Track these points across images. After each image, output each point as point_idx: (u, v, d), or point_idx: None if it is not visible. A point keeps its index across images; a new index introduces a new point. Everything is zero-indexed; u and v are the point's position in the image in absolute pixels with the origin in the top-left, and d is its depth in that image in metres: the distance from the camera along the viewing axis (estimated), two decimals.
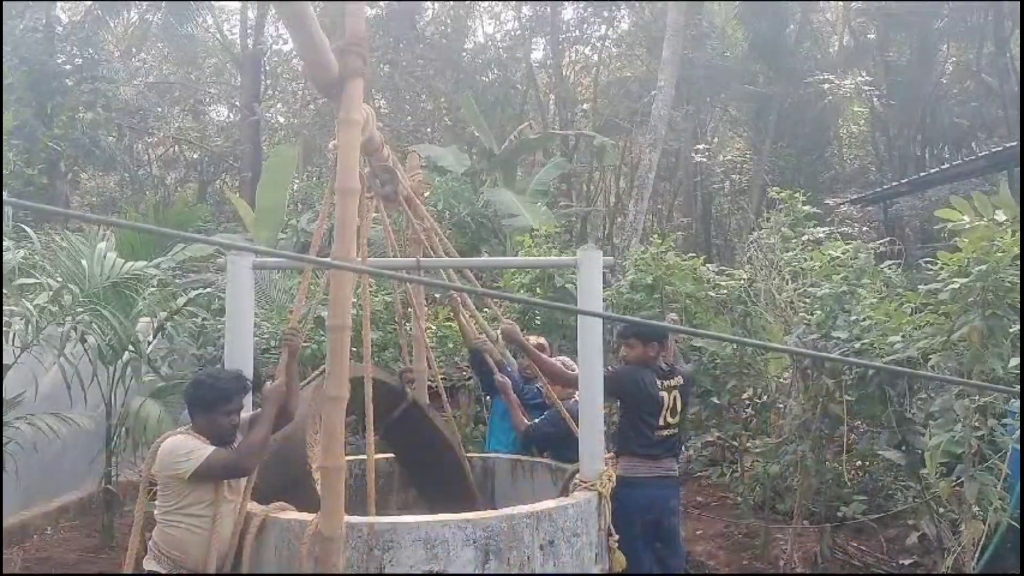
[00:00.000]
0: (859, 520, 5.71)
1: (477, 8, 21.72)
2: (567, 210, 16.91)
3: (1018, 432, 4.09)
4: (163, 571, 3.36)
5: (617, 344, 4.70)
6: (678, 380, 4.48)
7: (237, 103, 22.37)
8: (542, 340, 5.55)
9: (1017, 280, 3.91)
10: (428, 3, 20.05)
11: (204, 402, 3.45)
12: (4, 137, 6.01)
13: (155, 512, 3.43)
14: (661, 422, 4.35)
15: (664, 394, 4.37)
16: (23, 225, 6.16)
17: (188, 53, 22.04)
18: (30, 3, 15.14)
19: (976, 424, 4.02)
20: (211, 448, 3.36)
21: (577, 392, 4.29)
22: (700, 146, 19.00)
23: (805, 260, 6.24)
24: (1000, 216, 4.08)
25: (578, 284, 4.24)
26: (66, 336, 5.69)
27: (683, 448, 8.00)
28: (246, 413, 3.73)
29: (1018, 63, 17.41)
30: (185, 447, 3.34)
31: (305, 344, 5.13)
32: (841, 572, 5.54)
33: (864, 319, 5.06)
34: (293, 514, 3.51)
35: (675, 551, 4.49)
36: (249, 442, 3.40)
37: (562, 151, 19.19)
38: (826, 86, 16.50)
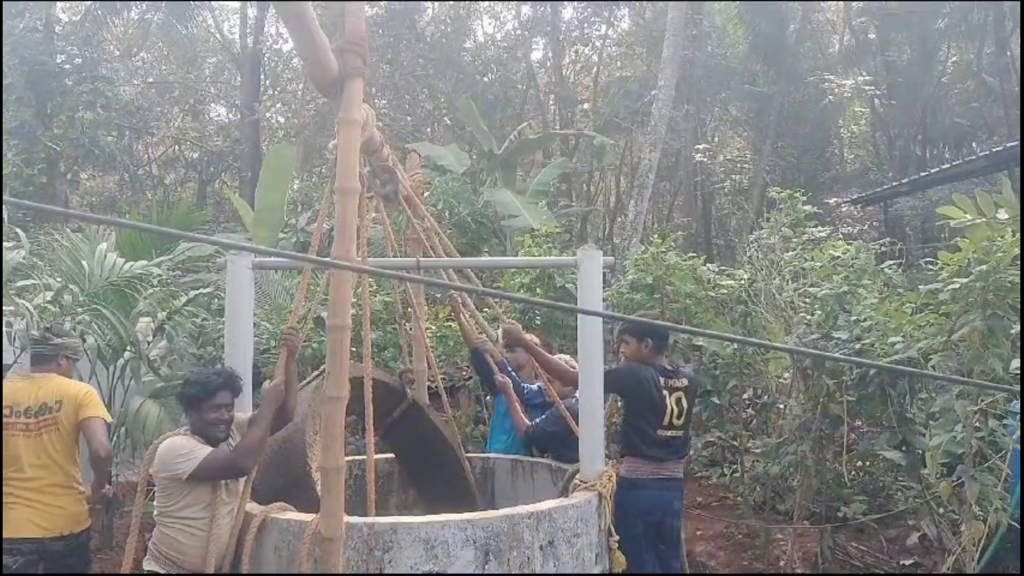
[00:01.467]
0: (860, 520, 5.71)
1: (477, 8, 21.73)
2: (567, 210, 16.91)
3: (1018, 432, 4.08)
4: (162, 571, 3.35)
5: (616, 343, 4.69)
6: (683, 382, 4.43)
7: (237, 103, 22.38)
8: (535, 338, 5.55)
9: (1017, 280, 3.90)
10: (428, 3, 20.05)
11: (190, 399, 3.48)
12: (4, 137, 6.00)
13: (154, 513, 3.43)
14: (664, 422, 4.30)
15: (667, 394, 4.33)
16: (15, 227, 6.15)
17: (188, 53, 22.05)
18: (30, 3, 15.14)
19: (977, 424, 4.01)
20: (208, 449, 3.35)
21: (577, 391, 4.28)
22: (700, 146, 19.00)
23: (806, 260, 6.24)
24: (1003, 215, 4.08)
25: (578, 284, 4.23)
26: None
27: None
28: (245, 413, 3.73)
29: (1018, 63, 17.41)
30: (183, 448, 3.34)
31: (304, 343, 5.12)
32: (842, 572, 5.54)
33: (865, 319, 5.06)
34: (293, 514, 3.50)
35: (677, 552, 4.48)
36: (246, 442, 3.39)
37: (562, 151, 19.20)
38: (827, 86, 16.50)
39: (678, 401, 4.36)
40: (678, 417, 4.35)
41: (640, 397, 4.31)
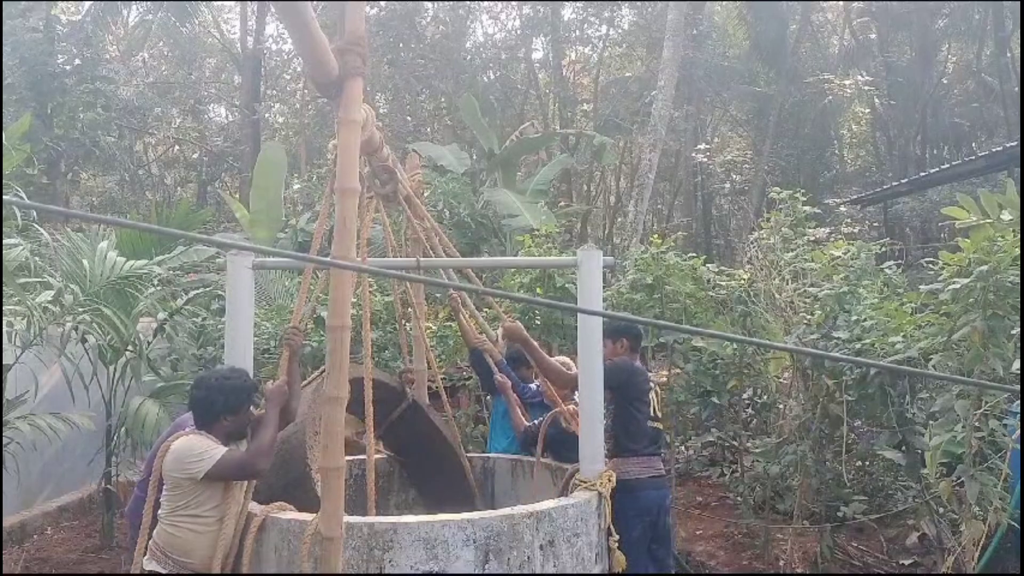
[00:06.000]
0: (859, 520, 5.71)
1: (477, 8, 21.72)
2: (567, 210, 16.90)
3: (1018, 432, 4.08)
4: (163, 571, 3.35)
5: None
6: (655, 379, 4.65)
7: (237, 103, 22.36)
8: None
9: (1018, 280, 3.90)
10: (428, 3, 20.04)
11: (237, 404, 3.48)
12: (18, 139, 6.02)
13: (159, 512, 3.43)
14: (651, 412, 4.45)
15: (652, 385, 4.52)
16: (36, 224, 6.16)
17: (188, 53, 22.02)
18: (30, 3, 15.15)
19: (977, 424, 4.01)
20: (224, 449, 3.36)
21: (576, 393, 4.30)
22: (700, 146, 19.00)
23: (806, 260, 6.24)
24: (1006, 215, 4.07)
25: (578, 284, 4.23)
26: (67, 336, 5.69)
27: (683, 448, 8.06)
28: None
29: (1018, 63, 17.42)
30: (198, 448, 3.34)
31: (304, 342, 5.12)
32: (841, 572, 5.54)
33: (865, 319, 5.05)
34: (293, 514, 3.50)
35: (669, 549, 4.51)
36: (259, 443, 3.41)
37: (562, 151, 19.19)
38: (827, 86, 16.50)
39: (656, 395, 4.55)
40: (659, 410, 4.53)
41: (633, 388, 4.40)
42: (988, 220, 4.11)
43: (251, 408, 3.55)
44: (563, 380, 4.58)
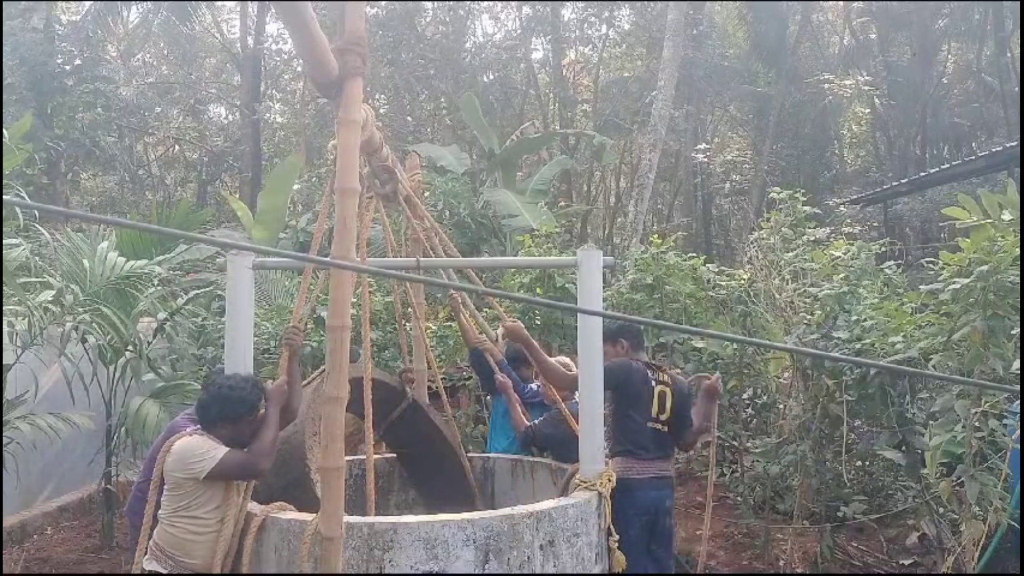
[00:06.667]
0: (859, 520, 5.71)
1: (477, 8, 21.73)
2: (567, 210, 16.90)
3: (1018, 432, 4.09)
4: (164, 571, 3.36)
5: None
6: (666, 378, 4.52)
7: (237, 103, 22.36)
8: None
9: (1018, 280, 3.90)
10: (428, 3, 20.04)
11: (234, 415, 3.47)
12: (18, 139, 6.05)
13: (159, 512, 3.43)
14: (652, 414, 4.36)
15: (653, 385, 4.41)
16: (36, 225, 6.16)
17: (188, 53, 22.03)
18: (30, 3, 15.15)
19: (977, 424, 4.01)
20: (226, 449, 3.37)
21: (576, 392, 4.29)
22: (700, 146, 19.02)
23: (806, 260, 6.24)
24: (1006, 216, 4.08)
25: (578, 284, 4.23)
26: (67, 336, 5.69)
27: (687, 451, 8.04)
28: None
29: (1018, 63, 17.43)
30: (200, 447, 3.35)
31: (304, 342, 5.12)
32: (841, 572, 5.54)
33: (865, 319, 5.05)
34: (293, 514, 3.50)
35: (669, 550, 4.49)
36: (261, 443, 3.42)
37: (562, 151, 19.20)
38: (827, 86, 16.52)
39: (661, 394, 4.42)
40: (662, 411, 4.41)
41: (631, 388, 4.35)
42: (988, 220, 4.11)
43: (252, 419, 3.53)
44: (563, 381, 4.56)
